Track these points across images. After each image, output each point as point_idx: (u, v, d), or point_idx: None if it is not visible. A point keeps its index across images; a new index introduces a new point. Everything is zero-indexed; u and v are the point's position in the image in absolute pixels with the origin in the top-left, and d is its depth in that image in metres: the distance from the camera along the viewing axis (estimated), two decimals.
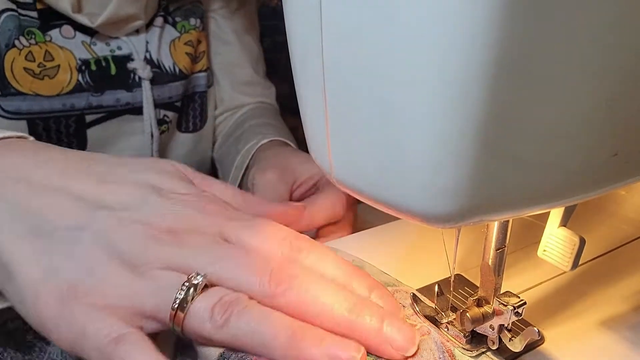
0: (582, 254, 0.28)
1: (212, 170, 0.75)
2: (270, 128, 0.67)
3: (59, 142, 0.56)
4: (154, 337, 0.29)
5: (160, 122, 0.63)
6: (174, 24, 0.62)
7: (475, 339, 0.30)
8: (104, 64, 0.56)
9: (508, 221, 0.28)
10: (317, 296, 0.29)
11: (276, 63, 1.08)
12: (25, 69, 0.51)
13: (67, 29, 0.54)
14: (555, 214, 0.29)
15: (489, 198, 0.21)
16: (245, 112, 0.73)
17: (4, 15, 0.50)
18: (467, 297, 0.31)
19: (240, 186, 0.60)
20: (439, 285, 0.33)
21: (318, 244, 0.33)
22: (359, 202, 0.49)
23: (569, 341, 0.32)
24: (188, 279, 0.29)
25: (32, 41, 0.51)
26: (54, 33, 0.53)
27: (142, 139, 0.62)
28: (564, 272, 0.37)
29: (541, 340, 0.31)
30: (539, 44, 0.17)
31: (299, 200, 0.49)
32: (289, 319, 0.28)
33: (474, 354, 0.30)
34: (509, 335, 0.29)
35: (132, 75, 0.58)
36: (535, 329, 0.27)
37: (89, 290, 0.29)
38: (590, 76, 0.19)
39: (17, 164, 0.34)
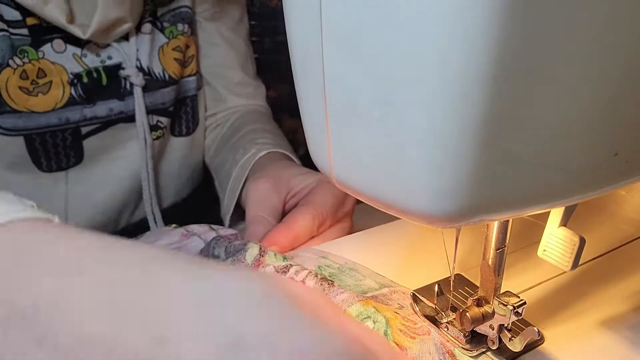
0: (582, 254, 0.28)
1: (205, 173, 0.75)
2: (267, 136, 0.67)
3: (56, 155, 0.57)
4: None
5: (154, 127, 0.63)
6: (162, 30, 0.63)
7: (475, 339, 0.30)
8: (95, 75, 0.57)
9: (508, 221, 0.28)
10: None
11: (276, 63, 1.08)
12: (20, 87, 0.52)
13: (58, 42, 0.54)
14: (556, 214, 0.29)
15: (489, 198, 0.21)
16: (239, 116, 0.73)
17: None
18: (467, 297, 0.31)
19: (239, 198, 0.60)
20: (438, 285, 0.33)
21: None
22: (359, 202, 0.49)
23: (569, 341, 0.32)
24: None
25: (26, 59, 0.52)
26: (46, 48, 0.53)
27: (137, 145, 0.62)
28: (564, 272, 0.37)
29: (541, 340, 0.31)
30: (539, 44, 0.17)
31: (292, 209, 0.49)
32: None
33: (474, 354, 0.30)
34: (509, 335, 0.29)
35: (123, 83, 0.59)
36: (535, 328, 0.27)
37: None
38: (591, 76, 0.19)
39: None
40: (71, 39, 0.54)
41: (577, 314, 0.34)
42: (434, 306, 0.33)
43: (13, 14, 0.51)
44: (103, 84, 0.57)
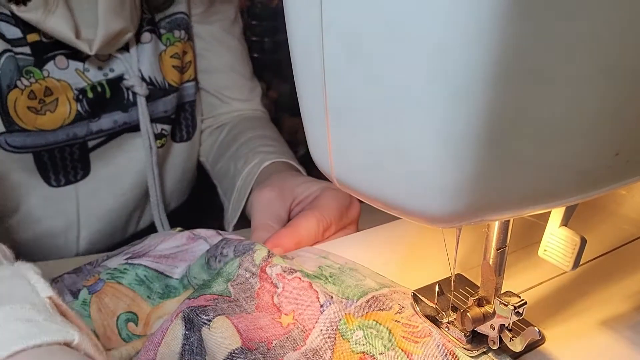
0: (583, 254, 0.28)
1: (201, 172, 0.75)
2: (269, 143, 0.67)
3: (64, 169, 0.58)
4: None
5: (158, 136, 0.64)
6: (159, 37, 0.63)
7: (476, 339, 0.30)
8: (99, 89, 0.57)
9: (509, 221, 0.28)
10: None
11: (276, 63, 1.08)
12: (28, 107, 0.52)
13: (61, 59, 0.54)
14: (556, 214, 0.29)
15: (490, 198, 0.21)
16: (238, 122, 0.73)
17: (4, 57, 0.51)
18: (468, 297, 0.31)
19: (244, 207, 0.60)
20: (439, 285, 0.33)
21: None
22: (359, 202, 0.49)
23: (569, 341, 0.32)
24: None
25: (32, 80, 0.53)
26: (50, 66, 0.54)
27: (141, 154, 0.63)
28: (565, 272, 0.37)
29: (542, 340, 0.31)
30: (541, 44, 0.17)
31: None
32: None
33: (475, 354, 0.30)
34: (510, 335, 0.29)
35: (126, 95, 0.60)
36: (536, 328, 0.27)
37: None
38: (592, 76, 0.19)
39: None
40: (72, 54, 0.55)
41: (578, 314, 0.34)
42: (434, 306, 0.33)
43: (13, 32, 0.51)
44: (107, 97, 0.58)
